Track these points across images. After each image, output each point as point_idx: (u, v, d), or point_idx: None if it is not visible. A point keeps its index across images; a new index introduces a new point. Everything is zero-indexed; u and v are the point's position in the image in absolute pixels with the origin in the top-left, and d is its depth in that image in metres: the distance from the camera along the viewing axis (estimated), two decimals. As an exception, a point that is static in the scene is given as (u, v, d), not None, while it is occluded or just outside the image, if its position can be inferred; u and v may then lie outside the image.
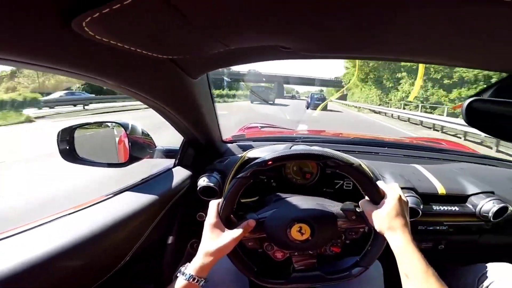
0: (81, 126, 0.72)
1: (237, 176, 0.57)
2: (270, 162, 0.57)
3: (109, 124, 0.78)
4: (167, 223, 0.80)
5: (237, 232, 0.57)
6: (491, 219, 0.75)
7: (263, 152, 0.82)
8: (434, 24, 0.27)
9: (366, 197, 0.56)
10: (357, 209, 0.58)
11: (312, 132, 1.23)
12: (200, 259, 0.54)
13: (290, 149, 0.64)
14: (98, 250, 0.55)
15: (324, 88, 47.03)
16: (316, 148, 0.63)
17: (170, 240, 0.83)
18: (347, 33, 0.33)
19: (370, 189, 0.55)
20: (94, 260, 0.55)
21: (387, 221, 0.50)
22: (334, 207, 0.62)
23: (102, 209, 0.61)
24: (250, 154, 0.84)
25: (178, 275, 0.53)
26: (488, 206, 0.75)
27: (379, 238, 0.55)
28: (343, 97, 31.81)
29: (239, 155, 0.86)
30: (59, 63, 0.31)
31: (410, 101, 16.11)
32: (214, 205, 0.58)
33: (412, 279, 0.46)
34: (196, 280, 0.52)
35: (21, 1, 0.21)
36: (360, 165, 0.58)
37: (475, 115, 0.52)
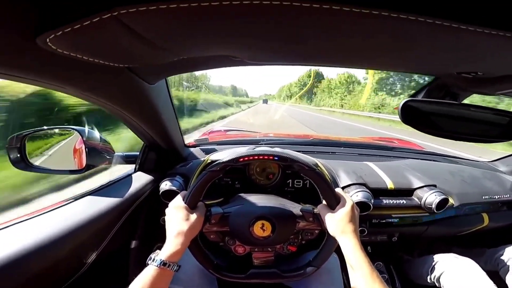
0: (33, 132, 0.70)
1: (207, 169, 0.58)
2: (241, 159, 0.58)
3: (65, 130, 0.76)
4: (130, 228, 0.80)
5: (202, 209, 0.58)
6: (435, 210, 0.82)
7: (226, 155, 0.84)
8: (370, 35, 0.29)
9: (324, 202, 0.60)
10: (314, 211, 0.61)
11: (275, 135, 1.26)
12: (171, 243, 0.51)
13: (254, 149, 0.66)
14: (60, 254, 0.55)
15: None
16: (283, 150, 0.65)
17: (133, 244, 0.83)
18: (288, 44, 0.36)
19: (329, 195, 0.58)
20: (56, 264, 0.54)
21: (340, 225, 0.54)
22: (295, 208, 0.65)
23: (63, 213, 0.61)
24: (213, 157, 0.86)
25: (148, 262, 0.50)
26: (431, 198, 0.82)
27: (331, 240, 0.59)
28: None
29: (202, 159, 0.87)
30: (24, 73, 0.35)
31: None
32: (179, 195, 0.59)
33: (361, 279, 0.49)
34: (168, 266, 0.49)
35: None
36: (322, 171, 0.60)
37: (410, 114, 0.57)
